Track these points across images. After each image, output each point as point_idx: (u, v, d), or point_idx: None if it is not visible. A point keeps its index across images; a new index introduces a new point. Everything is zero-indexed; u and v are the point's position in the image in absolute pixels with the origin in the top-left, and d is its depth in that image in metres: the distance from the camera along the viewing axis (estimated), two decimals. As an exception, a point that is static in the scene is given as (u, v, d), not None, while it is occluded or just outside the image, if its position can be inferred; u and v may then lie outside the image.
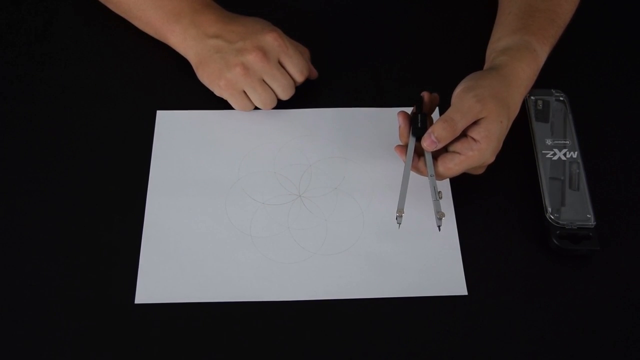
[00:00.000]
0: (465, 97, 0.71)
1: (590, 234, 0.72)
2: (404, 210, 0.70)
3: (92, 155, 0.79)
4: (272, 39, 0.77)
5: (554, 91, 0.82)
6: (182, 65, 0.83)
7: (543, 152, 0.77)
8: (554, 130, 0.79)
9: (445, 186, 0.77)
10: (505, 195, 0.77)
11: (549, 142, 0.78)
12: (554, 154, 0.77)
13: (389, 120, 0.81)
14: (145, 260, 0.71)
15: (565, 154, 0.77)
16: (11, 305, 0.69)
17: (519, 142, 0.81)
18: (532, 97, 0.82)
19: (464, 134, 0.71)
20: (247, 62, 0.77)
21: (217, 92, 0.80)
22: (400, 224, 0.71)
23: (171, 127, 0.81)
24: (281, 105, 0.81)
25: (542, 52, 0.78)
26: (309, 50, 0.83)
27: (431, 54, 0.87)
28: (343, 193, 0.77)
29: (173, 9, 0.81)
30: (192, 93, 0.82)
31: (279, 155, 0.79)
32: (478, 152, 0.71)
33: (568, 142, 0.78)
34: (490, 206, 0.76)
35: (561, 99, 0.82)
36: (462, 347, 0.68)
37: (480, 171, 0.76)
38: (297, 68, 0.79)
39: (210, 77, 0.79)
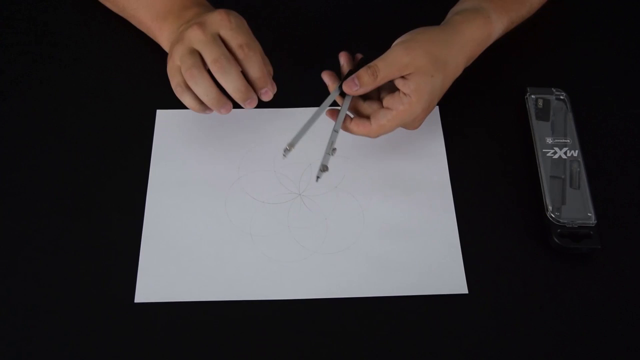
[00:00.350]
0: (396, 49, 0.72)
1: (591, 232, 0.72)
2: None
3: (92, 154, 0.79)
4: (216, 14, 0.72)
5: (554, 90, 0.82)
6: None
7: (543, 150, 0.77)
8: (555, 129, 0.79)
9: (445, 184, 0.77)
10: (505, 194, 0.77)
11: (549, 140, 0.78)
12: (555, 153, 0.77)
13: (389, 120, 0.81)
14: (145, 259, 0.71)
15: (565, 153, 0.77)
16: (11, 304, 0.69)
17: (519, 141, 0.81)
18: (532, 96, 0.82)
19: (396, 90, 0.72)
20: (184, 35, 0.72)
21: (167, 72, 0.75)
22: (285, 156, 0.71)
23: (171, 126, 0.81)
24: (281, 104, 0.81)
25: (498, 22, 0.79)
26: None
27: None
28: (343, 192, 0.77)
29: (163, 8, 0.80)
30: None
31: (279, 154, 0.79)
32: (409, 106, 0.71)
33: (569, 140, 0.78)
34: (490, 204, 0.76)
35: (562, 97, 0.82)
36: (463, 345, 0.68)
37: (415, 126, 0.76)
38: (237, 41, 0.71)
39: (168, 62, 0.75)
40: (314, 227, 0.74)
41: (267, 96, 0.73)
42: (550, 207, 0.73)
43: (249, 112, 0.81)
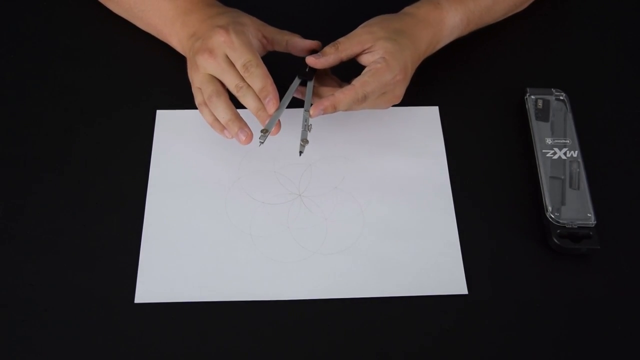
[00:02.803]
0: (356, 29, 0.78)
1: (591, 233, 0.72)
2: None
3: (92, 154, 0.79)
4: (218, 35, 0.74)
5: (554, 90, 0.82)
6: (182, 65, 0.82)
7: (543, 151, 0.77)
8: (554, 130, 0.79)
9: (445, 185, 0.77)
10: (505, 194, 0.77)
11: (549, 141, 0.78)
12: (554, 153, 0.77)
13: (389, 120, 0.82)
14: (144, 260, 0.71)
15: (565, 153, 0.77)
16: (11, 304, 0.69)
17: (519, 142, 0.81)
18: (532, 96, 0.82)
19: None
20: (199, 63, 0.75)
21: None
22: (262, 142, 0.73)
23: (171, 126, 0.81)
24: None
25: (451, 9, 0.81)
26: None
27: (431, 54, 0.87)
28: (343, 192, 0.77)
29: (169, 9, 0.81)
30: (192, 93, 0.82)
31: (279, 155, 0.79)
32: (385, 64, 0.74)
33: (568, 141, 0.78)
34: (490, 205, 0.76)
35: (561, 98, 0.82)
36: (463, 345, 0.68)
37: (397, 94, 0.77)
38: (240, 61, 0.73)
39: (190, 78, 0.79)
40: (313, 227, 0.74)
41: (271, 104, 0.73)
42: (549, 208, 0.73)
43: (249, 113, 0.81)
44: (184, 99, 0.82)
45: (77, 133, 0.80)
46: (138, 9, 0.83)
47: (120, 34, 0.88)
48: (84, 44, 0.88)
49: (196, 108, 0.79)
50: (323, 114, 0.73)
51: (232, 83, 0.74)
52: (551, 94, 0.82)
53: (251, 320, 0.69)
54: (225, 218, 0.75)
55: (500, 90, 0.85)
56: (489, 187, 0.78)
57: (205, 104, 0.76)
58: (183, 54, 0.81)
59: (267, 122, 0.73)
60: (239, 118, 0.74)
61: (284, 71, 0.76)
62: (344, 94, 0.73)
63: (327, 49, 0.76)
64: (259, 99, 0.73)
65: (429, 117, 0.82)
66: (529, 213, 0.76)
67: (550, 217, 0.73)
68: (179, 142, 0.80)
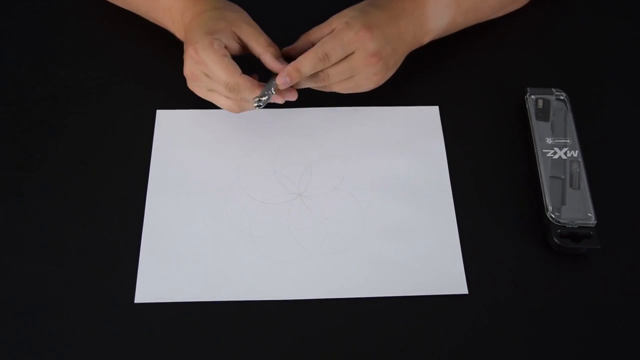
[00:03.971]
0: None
1: (591, 232, 0.72)
2: None
3: (92, 154, 0.79)
4: (190, 60, 0.74)
5: (554, 90, 0.82)
6: (182, 65, 0.82)
7: (543, 150, 0.77)
8: (555, 129, 0.79)
9: (445, 185, 0.77)
10: (506, 194, 0.77)
11: (549, 141, 0.78)
12: (555, 153, 0.77)
13: (389, 120, 0.82)
14: (144, 260, 0.71)
15: (565, 153, 0.77)
16: (11, 304, 0.69)
17: (519, 141, 0.81)
18: (532, 96, 0.82)
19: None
20: (191, 86, 0.77)
21: None
22: (259, 106, 0.73)
23: (171, 126, 0.81)
24: (281, 104, 0.81)
25: None
26: None
27: (430, 53, 0.87)
28: (343, 192, 0.77)
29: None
30: (192, 93, 0.82)
31: (279, 155, 0.79)
32: (345, 25, 0.73)
33: (569, 141, 0.78)
34: (490, 205, 0.76)
35: (561, 97, 0.82)
36: (463, 345, 0.68)
37: (389, 65, 0.76)
38: (221, 85, 0.74)
39: None
40: (314, 227, 0.74)
41: (283, 97, 0.76)
42: (550, 208, 0.73)
43: (249, 113, 0.81)
44: (184, 99, 0.82)
45: (77, 133, 0.80)
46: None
47: (120, 33, 0.88)
48: (83, 44, 0.88)
49: (197, 108, 0.79)
50: (289, 81, 0.73)
51: (223, 92, 0.75)
52: (551, 93, 0.82)
53: (251, 320, 0.69)
54: (225, 218, 0.75)
55: (500, 90, 0.85)
56: (489, 187, 0.78)
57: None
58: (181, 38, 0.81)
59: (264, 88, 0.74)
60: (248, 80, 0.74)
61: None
62: (304, 56, 0.73)
63: (296, 43, 0.77)
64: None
65: (429, 117, 0.82)
66: (529, 213, 0.76)
67: (551, 216, 0.73)
68: (179, 142, 0.80)
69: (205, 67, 0.73)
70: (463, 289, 0.70)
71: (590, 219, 0.73)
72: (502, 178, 0.78)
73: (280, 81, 0.73)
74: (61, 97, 0.83)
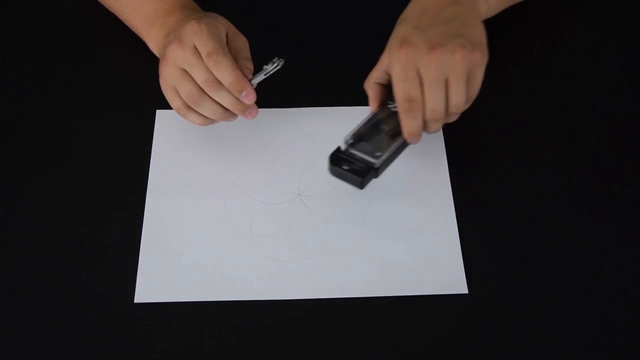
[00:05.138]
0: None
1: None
2: None
3: (92, 154, 0.79)
4: (189, 26, 0.71)
5: None
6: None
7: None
8: None
9: (445, 185, 0.77)
10: (506, 194, 0.77)
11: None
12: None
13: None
14: (144, 260, 0.71)
15: None
16: (11, 304, 0.69)
17: (519, 141, 0.81)
18: None
19: None
20: (167, 55, 0.72)
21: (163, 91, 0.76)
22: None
23: (171, 126, 0.81)
24: (281, 104, 0.81)
25: None
26: (249, 41, 0.77)
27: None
28: (343, 192, 0.77)
29: (150, 11, 0.80)
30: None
31: (279, 155, 0.79)
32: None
33: None
34: (490, 204, 0.76)
35: None
36: (463, 345, 0.68)
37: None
38: (205, 49, 0.70)
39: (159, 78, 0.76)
40: (313, 227, 0.74)
41: (248, 99, 0.72)
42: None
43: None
44: (184, 99, 0.82)
45: (77, 133, 0.80)
46: (122, 11, 0.84)
47: (120, 33, 0.88)
48: (83, 44, 0.88)
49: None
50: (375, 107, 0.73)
51: (200, 77, 0.71)
52: None
53: (251, 320, 0.68)
54: (225, 218, 0.74)
55: (500, 89, 0.85)
56: (489, 185, 0.78)
57: (187, 106, 0.73)
58: (158, 55, 0.78)
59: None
60: (236, 99, 0.72)
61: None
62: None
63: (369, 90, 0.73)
64: (232, 94, 0.71)
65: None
66: (529, 212, 0.75)
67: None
68: (178, 142, 0.80)
69: (199, 35, 0.70)
70: (463, 289, 0.70)
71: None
72: (502, 178, 0.78)
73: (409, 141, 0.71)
74: (61, 97, 0.83)
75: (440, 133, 0.81)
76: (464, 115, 0.82)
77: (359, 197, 0.76)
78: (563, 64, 0.87)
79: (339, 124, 0.81)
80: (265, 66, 0.73)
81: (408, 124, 0.69)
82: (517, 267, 0.72)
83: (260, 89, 0.74)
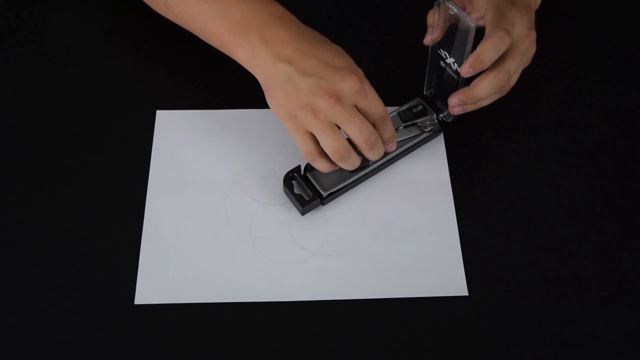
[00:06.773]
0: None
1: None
2: None
3: (92, 154, 0.79)
4: (351, 84, 0.68)
5: None
6: (182, 65, 0.83)
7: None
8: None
9: (445, 185, 0.77)
10: (506, 195, 0.77)
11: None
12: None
13: (389, 120, 0.81)
14: (144, 261, 0.71)
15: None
16: (10, 305, 0.69)
17: (519, 141, 0.80)
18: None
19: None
20: (318, 106, 0.68)
21: (284, 123, 0.72)
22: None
23: (171, 127, 0.81)
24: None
25: None
26: None
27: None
28: (343, 192, 0.77)
29: (241, 20, 0.72)
30: (192, 93, 0.82)
31: (279, 155, 0.79)
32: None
33: None
34: (491, 206, 0.76)
35: None
36: (463, 347, 0.68)
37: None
38: (377, 113, 0.70)
39: (278, 108, 0.71)
40: (313, 228, 0.74)
41: (392, 148, 0.74)
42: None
43: (249, 113, 0.81)
44: (184, 99, 0.82)
45: (77, 133, 0.80)
46: (202, 19, 0.75)
47: (120, 33, 0.87)
48: (83, 44, 0.87)
49: (197, 108, 0.78)
50: (472, 71, 0.72)
51: (361, 136, 0.69)
52: None
53: (251, 321, 0.69)
54: (225, 219, 0.75)
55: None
56: (489, 187, 0.78)
57: (320, 153, 0.71)
58: (250, 69, 0.73)
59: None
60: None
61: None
62: (483, 44, 0.71)
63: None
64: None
65: (429, 117, 0.82)
66: (529, 213, 0.75)
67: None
68: (179, 142, 0.80)
69: (365, 97, 0.69)
70: (463, 291, 0.70)
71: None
72: (503, 178, 0.78)
73: (464, 70, 0.71)
74: (61, 98, 0.83)
75: (441, 133, 0.81)
76: (464, 115, 0.82)
77: (359, 198, 0.76)
78: (563, 63, 0.87)
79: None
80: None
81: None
82: (518, 270, 0.72)
83: (260, 88, 0.73)
